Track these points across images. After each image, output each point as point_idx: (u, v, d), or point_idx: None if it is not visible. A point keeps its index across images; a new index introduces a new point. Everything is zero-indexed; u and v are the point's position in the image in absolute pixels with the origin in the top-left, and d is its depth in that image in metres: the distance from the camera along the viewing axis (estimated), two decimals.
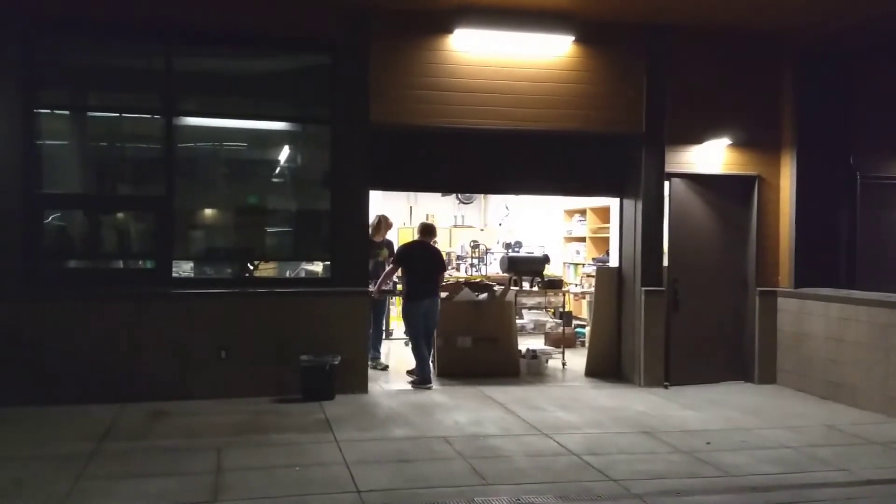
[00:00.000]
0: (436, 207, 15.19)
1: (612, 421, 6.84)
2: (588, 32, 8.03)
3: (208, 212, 8.07)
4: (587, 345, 9.03)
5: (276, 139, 8.24)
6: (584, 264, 12.51)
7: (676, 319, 8.39)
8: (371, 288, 8.23)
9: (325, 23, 7.65)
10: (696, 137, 8.41)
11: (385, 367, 9.02)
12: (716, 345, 8.63)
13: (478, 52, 7.94)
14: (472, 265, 12.79)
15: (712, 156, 8.49)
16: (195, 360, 7.34)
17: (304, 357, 7.36)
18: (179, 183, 7.57)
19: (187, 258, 7.79)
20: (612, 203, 9.57)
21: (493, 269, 12.25)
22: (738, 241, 8.67)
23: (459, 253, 13.74)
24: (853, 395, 7.45)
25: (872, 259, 8.49)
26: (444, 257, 8.78)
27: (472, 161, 8.44)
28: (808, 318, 8.12)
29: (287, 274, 8.28)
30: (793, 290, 8.38)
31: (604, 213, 11.70)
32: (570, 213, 13.49)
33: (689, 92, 8.34)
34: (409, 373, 8.48)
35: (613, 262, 9.08)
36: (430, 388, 8.00)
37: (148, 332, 7.25)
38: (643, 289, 8.27)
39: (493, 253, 12.95)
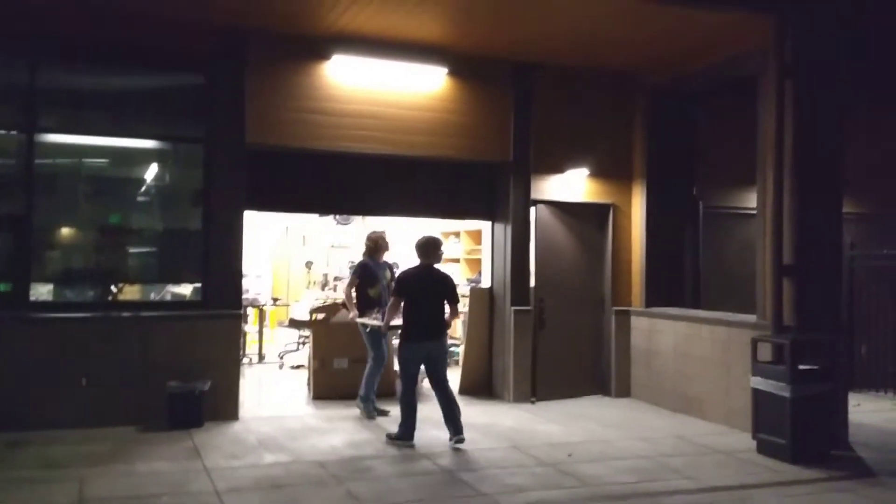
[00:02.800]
0: (312, 229, 15.12)
1: (483, 437, 7.11)
2: (460, 66, 8.39)
3: (70, 232, 7.73)
4: (461, 363, 9.30)
5: (145, 158, 8.03)
6: (458, 285, 12.83)
7: (542, 337, 8.84)
8: (375, 321, 7.64)
9: (201, 42, 7.57)
10: (559, 167, 8.94)
11: (385, 413, 7.81)
12: (577, 361, 9.15)
13: (355, 78, 8.11)
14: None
15: (573, 185, 9.04)
16: (55, 387, 7.00)
17: (171, 383, 7.16)
18: (39, 201, 7.23)
19: (46, 280, 7.42)
20: (484, 226, 9.96)
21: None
22: (596, 264, 9.27)
23: (337, 274, 13.74)
24: (700, 407, 8.10)
25: (713, 281, 9.30)
26: (455, 286, 7.00)
27: (349, 184, 8.57)
28: (659, 336, 8.77)
29: (152, 296, 8.02)
30: (644, 309, 9.03)
31: (477, 236, 12.08)
32: (446, 234, 13.81)
33: (553, 125, 8.86)
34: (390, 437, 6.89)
35: (486, 282, 9.43)
36: (411, 447, 6.65)
37: (3, 359, 6.85)
38: (513, 308, 8.67)
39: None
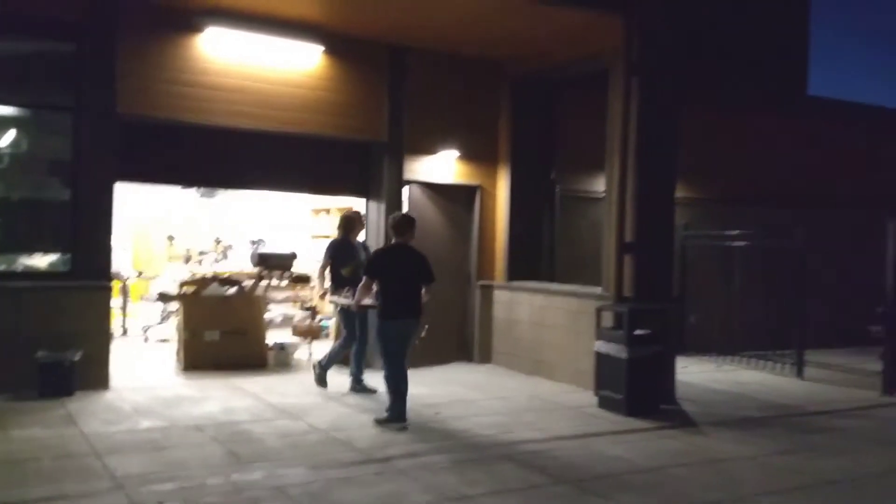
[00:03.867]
0: (174, 202, 14.85)
1: (354, 400, 7.56)
2: (337, 45, 8.69)
3: None
4: (334, 336, 9.66)
5: (13, 125, 7.80)
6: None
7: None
8: (346, 299, 7.57)
9: (71, 9, 7.45)
10: (431, 149, 9.45)
11: (374, 391, 7.71)
12: (445, 331, 9.73)
13: (229, 52, 8.24)
14: (216, 261, 12.82)
15: (444, 166, 9.59)
16: None
17: (41, 353, 7.12)
18: None
19: None
20: (357, 204, 10.32)
21: (238, 264, 12.41)
22: (463, 242, 9.89)
23: (203, 249, 13.64)
24: (552, 370, 8.91)
25: (567, 257, 10.16)
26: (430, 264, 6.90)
27: (224, 157, 8.71)
28: (518, 307, 9.52)
29: (20, 267, 7.83)
30: (506, 283, 9.76)
31: None
32: (317, 211, 14.04)
33: (426, 108, 9.35)
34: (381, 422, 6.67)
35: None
36: (405, 429, 6.48)
37: None
38: None
39: (233, 249, 13.07)
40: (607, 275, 8.09)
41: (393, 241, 6.92)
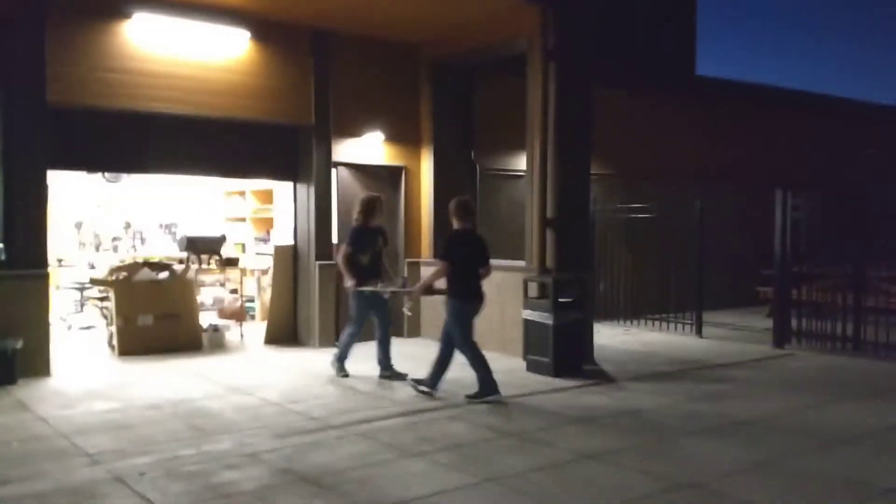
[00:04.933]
0: (80, 188, 14.47)
1: (301, 376, 7.91)
2: (262, 30, 8.89)
3: None
4: (268, 316, 9.90)
5: None
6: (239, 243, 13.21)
7: (344, 288, 9.71)
8: (372, 287, 7.50)
9: None
10: (357, 131, 9.79)
11: (405, 376, 7.59)
12: None
13: (157, 38, 8.31)
14: (133, 246, 12.70)
15: (370, 148, 9.95)
16: None
17: None
18: None
19: None
20: (275, 186, 10.57)
21: (156, 249, 12.35)
22: (391, 221, 10.27)
23: (115, 235, 13.43)
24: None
25: (489, 234, 10.69)
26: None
27: (152, 143, 8.76)
28: (443, 282, 10.02)
29: None
30: (433, 259, 10.24)
31: (265, 195, 12.53)
32: (231, 194, 14.04)
33: (351, 91, 9.66)
34: (419, 382, 7.13)
35: (276, 240, 10.04)
36: (502, 402, 6.81)
37: None
38: (317, 263, 9.45)
39: (142, 234, 12.97)
40: (531, 248, 8.72)
41: (457, 225, 7.07)
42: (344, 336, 7.97)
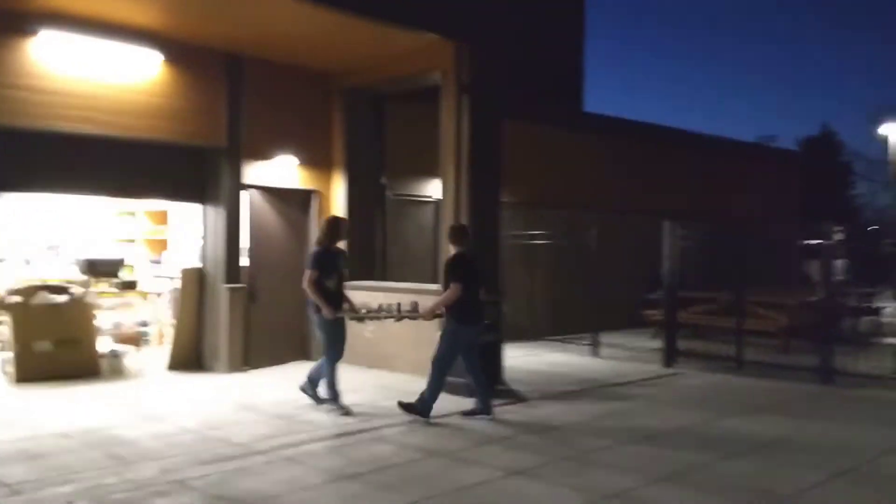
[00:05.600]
0: None
1: (213, 402, 7.77)
2: (175, 51, 8.77)
3: None
4: (173, 340, 9.62)
5: None
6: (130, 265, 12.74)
7: (254, 311, 9.62)
8: (392, 315, 7.41)
9: None
10: (269, 154, 9.77)
11: (324, 401, 7.42)
12: (285, 331, 10.10)
13: (65, 56, 8.06)
14: (21, 268, 11.96)
15: (282, 171, 9.94)
16: None
17: None
18: None
19: None
20: (169, 207, 10.35)
21: (40, 271, 11.71)
22: (301, 244, 10.29)
23: None
24: (393, 362, 9.60)
25: (397, 257, 10.93)
26: None
27: (58, 163, 8.43)
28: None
29: None
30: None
31: (158, 216, 12.17)
32: (121, 214, 13.51)
33: (264, 115, 9.64)
34: (407, 407, 7.15)
35: (182, 262, 9.81)
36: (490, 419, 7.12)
37: None
38: (226, 286, 9.30)
39: (34, 254, 12.27)
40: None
41: (455, 249, 7.19)
42: (324, 371, 7.41)
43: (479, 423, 7.11)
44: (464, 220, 8.70)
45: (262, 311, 9.73)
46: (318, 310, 7.28)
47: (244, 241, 9.58)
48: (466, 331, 7.12)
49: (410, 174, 11.21)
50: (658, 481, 5.49)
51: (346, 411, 7.30)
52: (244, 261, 9.59)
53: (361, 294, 9.93)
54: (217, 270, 9.42)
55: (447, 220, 8.90)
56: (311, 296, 7.25)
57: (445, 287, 7.19)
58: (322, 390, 7.55)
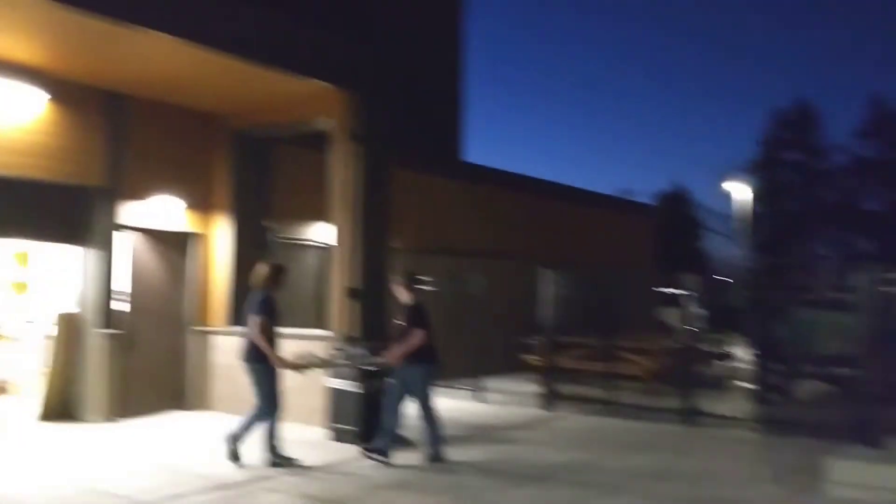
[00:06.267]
0: None
1: (91, 454, 7.41)
2: (59, 90, 8.50)
3: None
4: (47, 389, 9.00)
5: None
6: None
7: (129, 358, 9.22)
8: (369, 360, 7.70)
9: None
10: (151, 195, 9.52)
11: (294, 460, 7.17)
12: (162, 379, 9.73)
13: None
14: None
15: (164, 213, 9.69)
16: None
17: None
18: None
19: None
20: (31, 248, 9.85)
21: None
22: (182, 288, 10.01)
23: None
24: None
25: (284, 303, 10.76)
26: None
27: None
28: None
29: None
30: (228, 328, 10.07)
31: (19, 258, 11.44)
32: None
33: (146, 154, 9.42)
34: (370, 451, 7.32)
35: (39, 307, 9.33)
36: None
37: None
38: (101, 331, 8.90)
39: None
40: (336, 317, 8.97)
41: (408, 298, 7.62)
42: (261, 425, 7.14)
43: (369, 470, 7.15)
44: (355, 266, 8.83)
45: (139, 359, 9.36)
46: (259, 359, 7.05)
47: (124, 284, 9.22)
48: (430, 369, 7.56)
49: (296, 218, 11.21)
50: None
51: (291, 462, 7.11)
52: (122, 305, 9.21)
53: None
54: (92, 315, 9.00)
55: (339, 265, 8.99)
56: (260, 344, 7.02)
57: (406, 331, 7.46)
58: (244, 447, 7.15)
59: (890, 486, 6.23)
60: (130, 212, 9.29)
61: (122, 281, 9.25)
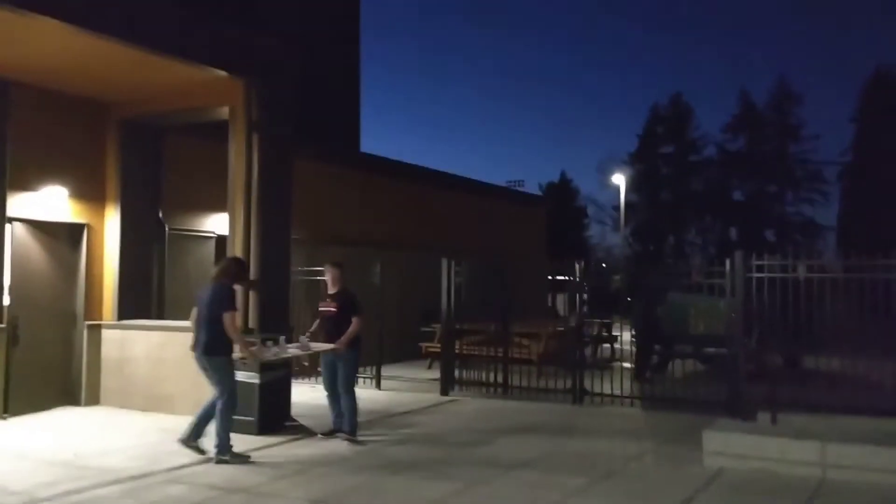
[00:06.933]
0: None
1: None
2: None
3: None
4: None
5: None
6: None
7: (16, 353, 8.84)
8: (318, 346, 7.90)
9: None
10: (37, 186, 9.13)
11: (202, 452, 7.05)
12: (51, 374, 9.39)
13: None
14: None
15: (50, 204, 9.31)
16: None
17: None
18: None
19: None
20: None
21: None
22: (70, 281, 9.65)
23: None
24: (171, 404, 9.23)
25: (177, 295, 10.60)
26: None
27: None
28: (131, 345, 9.64)
29: None
30: (116, 322, 9.80)
31: None
32: None
33: (31, 143, 9.01)
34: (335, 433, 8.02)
35: None
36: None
37: None
38: None
39: None
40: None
41: (340, 287, 8.12)
42: (221, 417, 7.04)
43: (269, 460, 7.20)
44: (253, 256, 8.80)
45: (25, 353, 8.97)
46: (225, 351, 7.08)
47: (5, 277, 8.81)
48: (357, 355, 8.14)
49: (191, 209, 11.00)
50: (447, 497, 6.02)
51: (243, 460, 7.04)
52: (5, 299, 8.80)
53: (138, 334, 9.62)
54: None
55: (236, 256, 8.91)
56: (235, 337, 7.06)
57: (339, 318, 7.95)
58: (206, 441, 7.10)
59: (760, 455, 6.88)
60: (13, 202, 8.87)
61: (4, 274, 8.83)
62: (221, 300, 7.12)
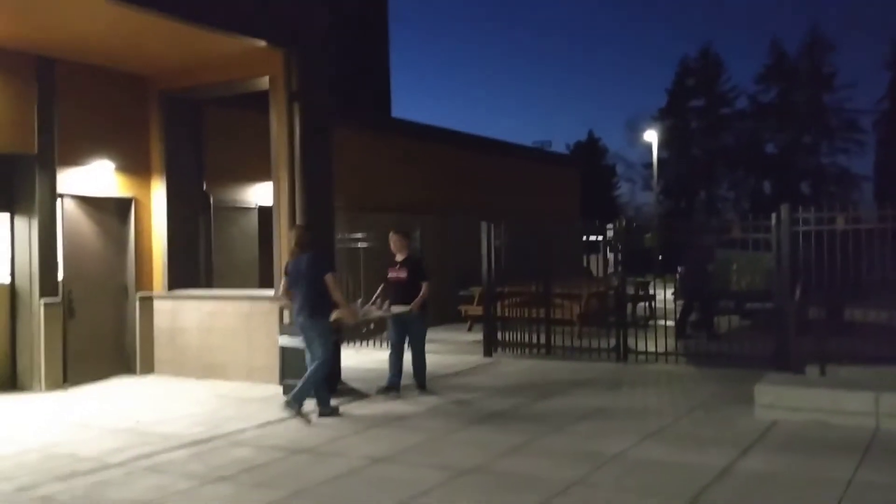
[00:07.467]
0: None
1: (43, 421, 7.37)
2: None
3: None
4: None
5: None
6: None
7: (72, 325, 9.12)
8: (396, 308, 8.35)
9: None
10: (85, 161, 9.31)
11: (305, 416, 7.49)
12: (106, 345, 9.67)
13: None
14: None
15: (99, 179, 9.50)
16: None
17: None
18: None
19: None
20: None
21: None
22: (120, 254, 9.88)
23: None
24: (224, 371, 9.51)
25: (222, 264, 10.81)
26: None
27: None
28: (183, 315, 9.88)
29: None
30: (167, 293, 10.03)
31: None
32: None
33: (78, 119, 9.17)
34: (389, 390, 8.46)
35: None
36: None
37: None
38: (42, 300, 8.74)
39: None
40: (282, 276, 9.05)
41: (405, 254, 8.64)
42: (311, 373, 7.49)
43: (327, 420, 7.38)
44: (298, 223, 8.90)
45: (81, 326, 9.25)
46: (326, 314, 7.53)
47: (59, 252, 9.04)
48: (427, 317, 8.63)
49: (235, 180, 11.14)
50: (505, 455, 6.14)
51: (334, 411, 7.52)
52: (60, 273, 9.05)
53: (189, 303, 9.85)
54: (30, 285, 8.81)
55: (281, 226, 9.05)
56: (337, 296, 7.55)
57: (408, 283, 8.44)
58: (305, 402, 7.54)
59: (813, 407, 6.90)
60: (64, 178, 9.07)
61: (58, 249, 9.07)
62: (321, 264, 7.59)
